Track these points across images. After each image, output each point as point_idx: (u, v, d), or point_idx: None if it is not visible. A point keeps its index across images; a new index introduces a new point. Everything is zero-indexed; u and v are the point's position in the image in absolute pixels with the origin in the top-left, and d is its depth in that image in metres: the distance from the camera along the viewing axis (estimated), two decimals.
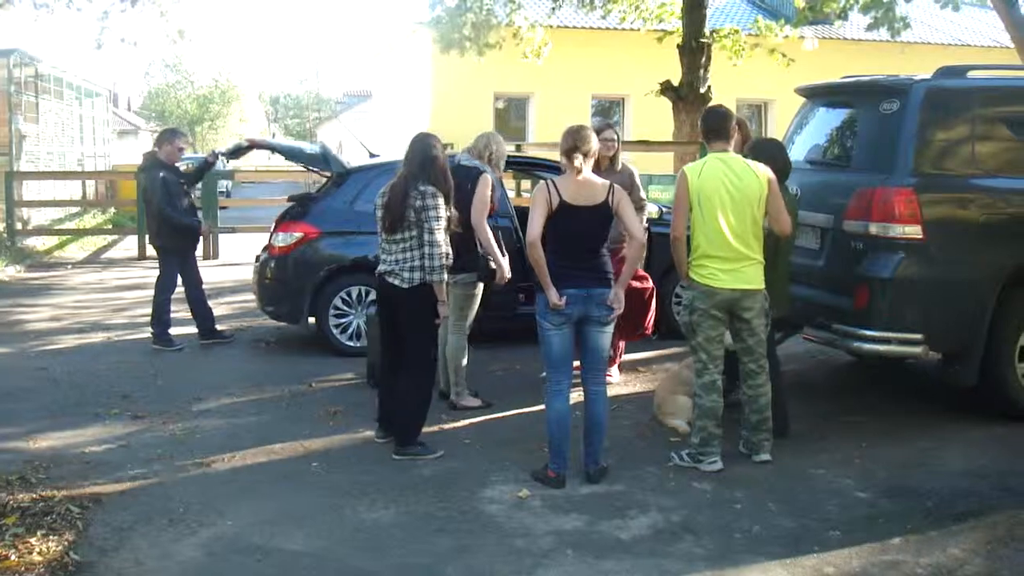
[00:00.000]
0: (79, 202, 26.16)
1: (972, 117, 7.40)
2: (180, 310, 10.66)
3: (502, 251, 7.74)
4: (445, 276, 6.68)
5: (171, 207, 10.09)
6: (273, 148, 10.25)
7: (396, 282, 6.69)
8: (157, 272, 10.48)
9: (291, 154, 10.36)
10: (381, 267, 6.84)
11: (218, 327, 10.61)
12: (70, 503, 5.81)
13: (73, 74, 29.17)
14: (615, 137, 8.39)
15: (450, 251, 6.70)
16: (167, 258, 10.40)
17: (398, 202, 6.63)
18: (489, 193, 7.63)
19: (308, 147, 10.59)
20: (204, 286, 10.56)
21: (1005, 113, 7.55)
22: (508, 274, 7.68)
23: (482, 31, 18.45)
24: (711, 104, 6.98)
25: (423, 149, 6.75)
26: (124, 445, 7.06)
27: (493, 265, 7.63)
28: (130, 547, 5.30)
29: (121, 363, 9.52)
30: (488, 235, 7.59)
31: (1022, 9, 14.06)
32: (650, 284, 8.35)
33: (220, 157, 10.66)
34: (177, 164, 10.45)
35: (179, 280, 10.40)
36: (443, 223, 6.63)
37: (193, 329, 10.57)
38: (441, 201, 6.63)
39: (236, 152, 10.48)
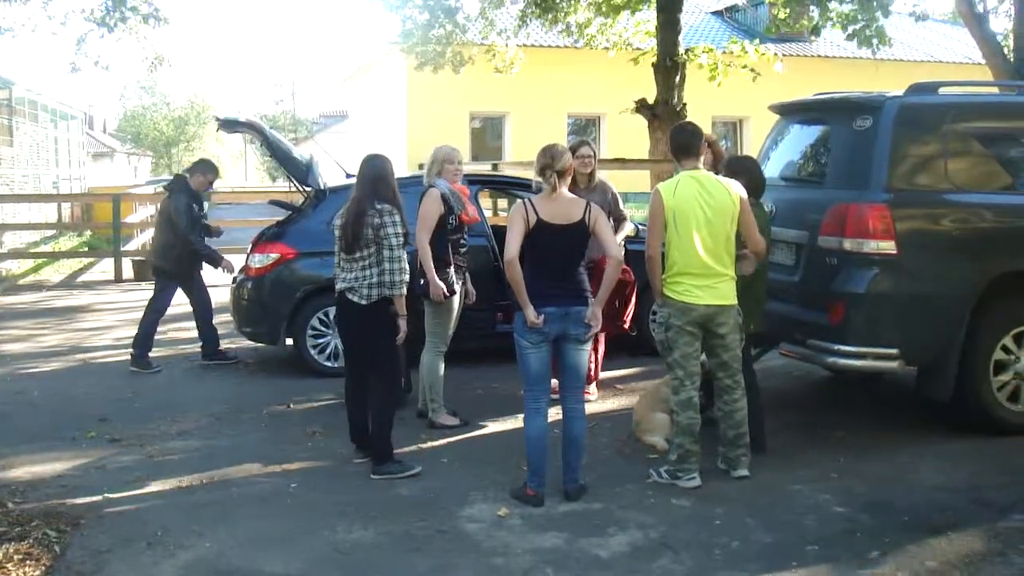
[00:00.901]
0: (54, 225, 26.04)
1: (944, 133, 7.46)
2: (166, 330, 10.62)
3: (458, 267, 7.88)
4: (405, 290, 6.76)
5: (196, 235, 10.18)
6: (265, 136, 10.02)
7: (355, 299, 6.76)
8: (151, 294, 10.46)
9: (278, 150, 10.14)
10: (340, 284, 6.91)
11: (220, 347, 10.59)
12: (47, 527, 5.77)
13: (48, 97, 29.12)
14: (591, 153, 8.45)
15: (406, 267, 6.78)
16: (165, 283, 10.40)
17: (354, 221, 6.71)
18: (433, 207, 7.70)
19: (297, 153, 10.45)
20: (179, 308, 10.53)
21: (977, 129, 7.61)
22: (440, 291, 7.65)
23: (450, 46, 18.51)
24: (679, 122, 7.01)
25: (372, 170, 6.87)
26: (101, 468, 7.03)
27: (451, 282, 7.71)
28: (109, 571, 5.27)
29: (98, 386, 9.48)
30: (425, 251, 7.66)
31: (992, 26, 14.21)
32: (632, 277, 8.37)
33: (217, 122, 10.58)
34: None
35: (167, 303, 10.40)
36: (402, 239, 6.74)
37: (169, 352, 10.52)
38: (399, 218, 6.74)
39: (231, 124, 10.32)
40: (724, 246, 6.45)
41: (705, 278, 6.41)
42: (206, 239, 10.44)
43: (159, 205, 10.66)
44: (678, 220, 6.39)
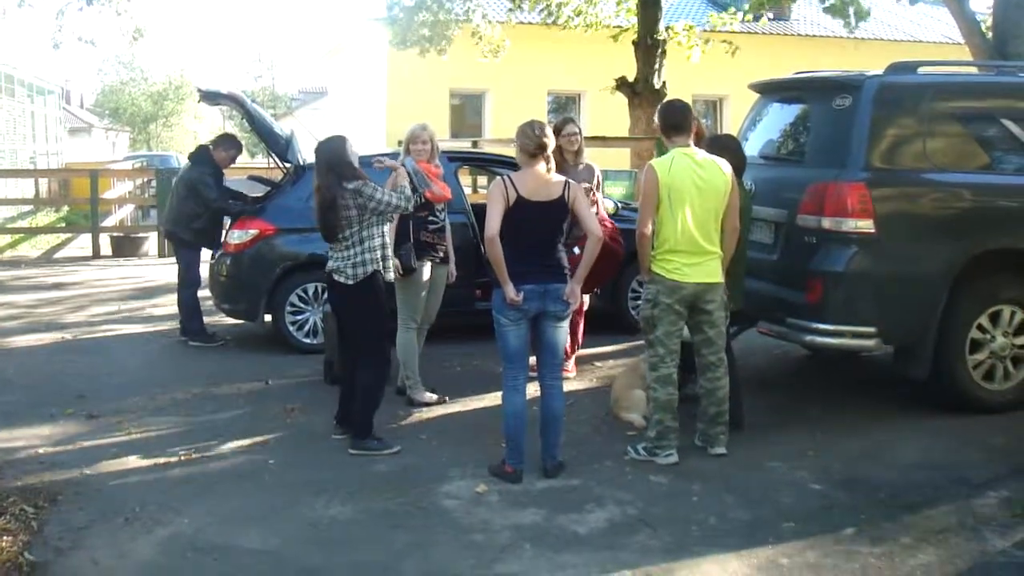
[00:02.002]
0: (31, 200, 25.90)
1: (923, 112, 7.46)
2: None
3: (426, 244, 7.86)
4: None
5: (222, 200, 10.14)
6: (245, 109, 9.98)
7: (341, 279, 6.80)
8: (176, 269, 10.44)
9: (259, 124, 10.11)
10: (329, 265, 6.93)
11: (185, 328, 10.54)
12: (24, 503, 5.75)
13: (24, 71, 28.91)
14: (577, 131, 8.44)
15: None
16: (186, 252, 10.36)
17: (327, 212, 6.75)
18: (399, 182, 7.60)
19: (277, 128, 10.39)
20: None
21: (956, 108, 7.62)
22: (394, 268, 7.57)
23: (439, 30, 18.42)
24: (668, 99, 6.96)
25: (330, 154, 6.83)
26: (79, 445, 7.01)
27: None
28: (86, 547, 5.27)
29: (76, 363, 9.44)
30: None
31: (971, 5, 14.20)
32: (623, 252, 8.35)
33: (199, 93, 10.53)
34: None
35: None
36: (383, 195, 6.78)
37: (147, 328, 10.46)
38: (373, 184, 6.76)
39: (213, 96, 10.26)
40: (713, 224, 6.45)
41: (695, 256, 6.40)
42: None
43: (179, 174, 10.59)
44: (672, 197, 6.36)
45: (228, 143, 10.59)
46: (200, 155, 10.46)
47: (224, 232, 10.26)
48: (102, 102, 68.03)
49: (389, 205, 6.76)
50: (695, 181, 6.37)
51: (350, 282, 6.76)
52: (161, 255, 16.79)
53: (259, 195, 10.37)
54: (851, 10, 15.48)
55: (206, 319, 10.47)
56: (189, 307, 10.27)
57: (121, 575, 4.99)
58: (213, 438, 7.14)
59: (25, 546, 5.21)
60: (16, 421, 7.54)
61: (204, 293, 10.45)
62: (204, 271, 10.48)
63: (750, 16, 17.83)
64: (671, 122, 6.62)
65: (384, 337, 7.01)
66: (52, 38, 18.03)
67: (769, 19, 17.57)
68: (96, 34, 62.98)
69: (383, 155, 7.59)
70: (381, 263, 6.82)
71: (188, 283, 10.30)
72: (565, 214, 6.23)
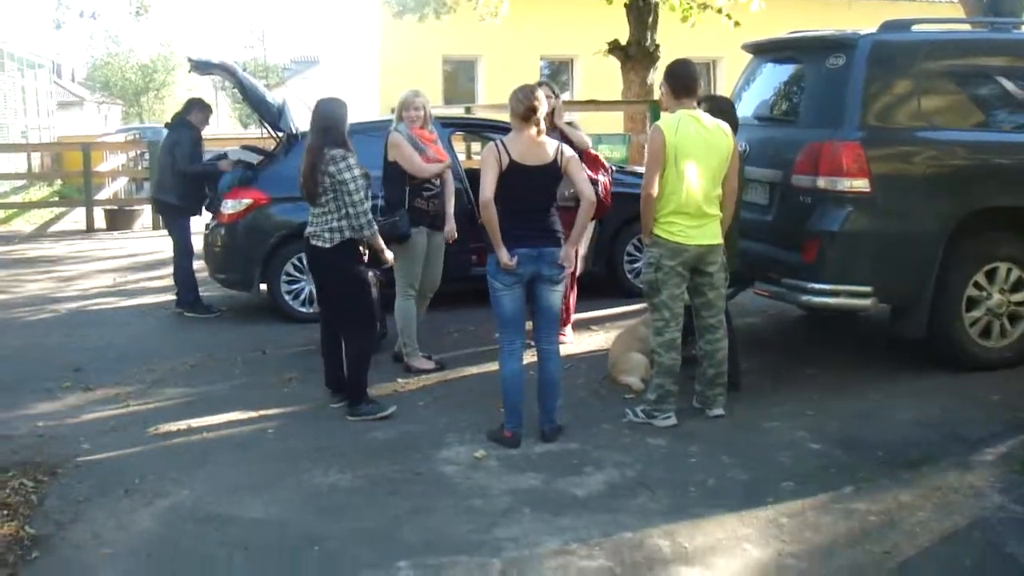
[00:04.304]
0: (24, 175, 25.80)
1: (917, 71, 7.43)
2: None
3: (421, 211, 7.86)
4: (375, 227, 6.84)
5: (192, 162, 10.08)
6: (236, 78, 9.93)
7: (318, 243, 6.82)
8: (170, 241, 10.42)
9: (251, 93, 10.04)
10: (308, 230, 6.95)
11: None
12: (24, 477, 5.75)
13: (15, 45, 28.77)
14: (549, 95, 8.32)
15: (368, 207, 6.81)
16: (176, 221, 10.33)
17: (309, 174, 6.76)
18: (403, 151, 7.71)
19: (270, 97, 10.34)
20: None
21: (950, 66, 7.58)
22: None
23: None
24: (678, 60, 6.80)
25: (322, 118, 6.87)
26: (77, 418, 7.01)
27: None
28: (86, 519, 5.27)
29: (72, 336, 9.43)
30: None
31: None
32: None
33: (190, 63, 10.50)
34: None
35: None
36: (360, 181, 6.74)
37: (142, 301, 10.43)
38: (352, 160, 6.72)
39: (204, 66, 10.23)
40: (715, 187, 6.43)
41: (698, 218, 6.38)
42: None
43: (162, 142, 10.57)
44: (679, 159, 6.32)
45: (198, 106, 10.57)
46: (177, 122, 10.44)
47: (214, 200, 10.19)
48: (93, 75, 67.67)
49: (350, 187, 6.67)
50: (701, 143, 6.34)
51: (327, 245, 6.77)
52: (156, 228, 16.71)
53: (241, 160, 10.31)
54: None
55: (201, 290, 10.44)
56: (185, 278, 10.25)
57: (122, 547, 4.99)
58: (211, 408, 7.14)
59: (25, 520, 5.22)
60: (14, 395, 7.53)
61: (199, 264, 10.42)
62: (196, 241, 10.43)
63: None
64: (682, 83, 6.54)
65: (365, 300, 7.01)
66: (54, 18, 17.99)
67: None
68: (99, 8, 62.45)
69: (373, 122, 7.56)
70: (356, 232, 6.78)
71: (182, 253, 10.27)
72: (558, 178, 6.23)
